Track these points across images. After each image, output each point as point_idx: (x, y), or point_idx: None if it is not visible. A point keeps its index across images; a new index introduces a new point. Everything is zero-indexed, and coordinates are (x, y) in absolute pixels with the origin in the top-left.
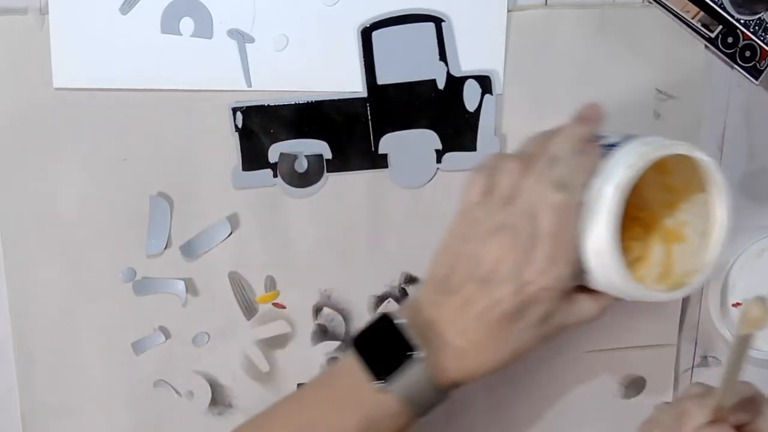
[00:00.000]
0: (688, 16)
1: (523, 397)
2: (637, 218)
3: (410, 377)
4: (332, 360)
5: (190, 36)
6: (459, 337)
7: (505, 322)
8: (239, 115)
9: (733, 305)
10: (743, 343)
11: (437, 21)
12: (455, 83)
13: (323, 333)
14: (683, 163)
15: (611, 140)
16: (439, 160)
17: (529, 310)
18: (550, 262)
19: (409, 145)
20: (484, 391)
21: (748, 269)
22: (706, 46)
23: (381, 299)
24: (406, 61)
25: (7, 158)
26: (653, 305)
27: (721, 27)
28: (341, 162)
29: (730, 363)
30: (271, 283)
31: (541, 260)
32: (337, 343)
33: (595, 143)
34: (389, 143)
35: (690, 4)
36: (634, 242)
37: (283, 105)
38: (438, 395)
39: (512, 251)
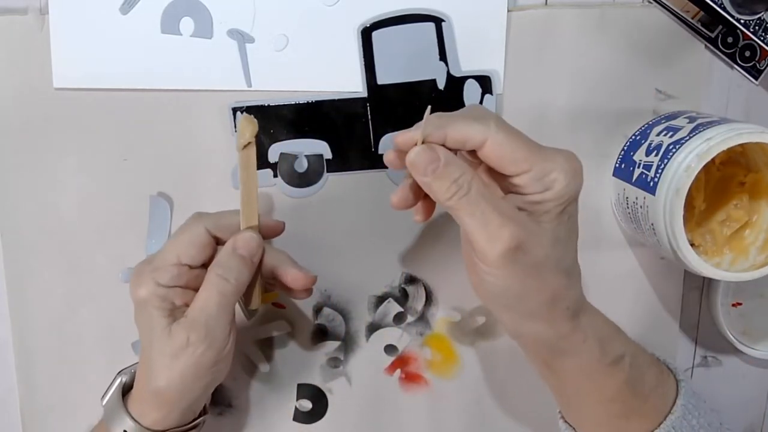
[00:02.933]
0: (688, 16)
1: (523, 397)
2: (743, 183)
3: (116, 411)
4: (332, 360)
5: (190, 36)
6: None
7: None
8: (239, 115)
9: (733, 305)
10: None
11: (437, 21)
12: (455, 83)
13: (323, 333)
14: None
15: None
16: None
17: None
18: None
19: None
20: (483, 391)
21: None
22: (706, 46)
23: (381, 299)
24: (406, 61)
25: (7, 158)
26: (653, 306)
27: (721, 27)
28: (341, 162)
29: None
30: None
31: None
32: (337, 343)
33: None
34: (389, 143)
35: (690, 4)
36: (738, 211)
37: (283, 105)
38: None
39: None
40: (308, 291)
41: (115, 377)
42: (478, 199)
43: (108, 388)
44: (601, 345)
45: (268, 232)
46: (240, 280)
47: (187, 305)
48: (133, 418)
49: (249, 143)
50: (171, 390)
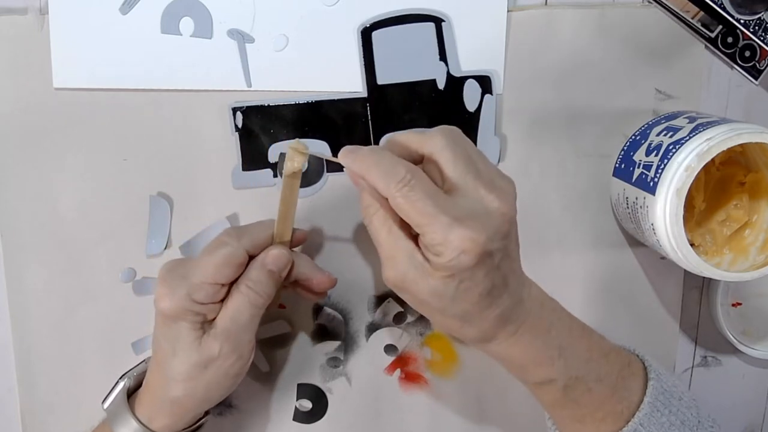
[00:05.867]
0: (688, 16)
1: (523, 397)
2: (742, 183)
3: (122, 415)
4: (332, 360)
5: (190, 36)
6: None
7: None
8: (239, 115)
9: (733, 305)
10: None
11: (437, 21)
12: (455, 83)
13: (323, 333)
14: None
15: (679, 135)
16: None
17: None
18: None
19: None
20: (483, 391)
21: None
22: (706, 46)
23: (381, 299)
24: (406, 61)
25: (7, 158)
26: (653, 306)
27: (721, 27)
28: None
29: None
30: None
31: None
32: (337, 343)
33: None
34: None
35: (690, 4)
36: (737, 211)
37: (283, 105)
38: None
39: None
40: (327, 293)
41: (118, 381)
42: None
43: (110, 392)
44: (522, 371)
45: (293, 243)
46: (269, 294)
47: (214, 318)
48: (140, 422)
49: (293, 174)
50: (192, 399)
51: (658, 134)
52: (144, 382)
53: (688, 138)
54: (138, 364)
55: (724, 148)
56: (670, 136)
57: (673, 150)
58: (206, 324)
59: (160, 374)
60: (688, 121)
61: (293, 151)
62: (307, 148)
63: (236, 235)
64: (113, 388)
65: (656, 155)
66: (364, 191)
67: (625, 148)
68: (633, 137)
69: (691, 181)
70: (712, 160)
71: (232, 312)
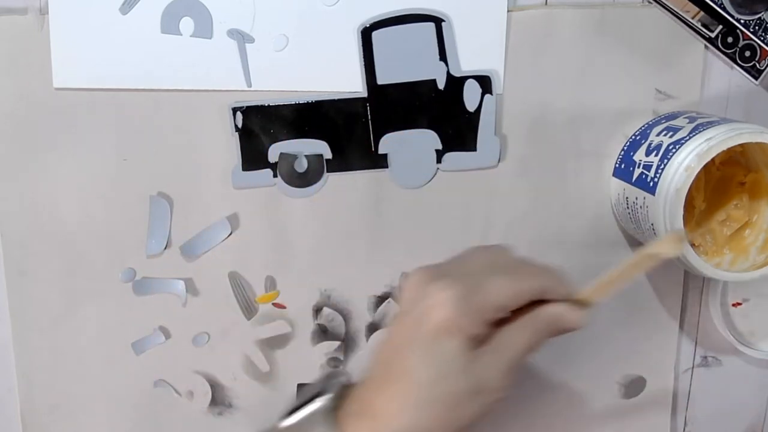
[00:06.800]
0: (688, 16)
1: (523, 397)
2: (742, 183)
3: (311, 421)
4: (332, 360)
5: (190, 36)
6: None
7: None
8: (239, 115)
9: (733, 305)
10: (646, 260)
11: (437, 21)
12: (455, 83)
13: (323, 333)
14: None
15: (679, 135)
16: (439, 160)
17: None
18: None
19: (409, 145)
20: None
21: None
22: (706, 46)
23: (381, 299)
24: (406, 61)
25: (7, 158)
26: (653, 306)
27: (721, 27)
28: (341, 162)
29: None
30: (271, 283)
31: None
32: (337, 343)
33: None
34: (389, 143)
35: (690, 4)
36: (737, 211)
37: (283, 105)
38: None
39: None
40: None
41: (313, 398)
42: None
43: (295, 410)
44: None
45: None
46: (542, 344)
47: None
48: None
49: (657, 255)
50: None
51: (658, 134)
52: (355, 408)
53: (688, 138)
54: (320, 381)
55: (725, 148)
56: (670, 136)
57: (673, 150)
58: (476, 349)
59: (399, 401)
60: (688, 121)
61: (675, 240)
62: (685, 242)
63: (546, 276)
64: (302, 406)
65: (656, 155)
66: None
67: (625, 148)
68: (633, 137)
69: (691, 181)
70: (712, 160)
71: (517, 345)
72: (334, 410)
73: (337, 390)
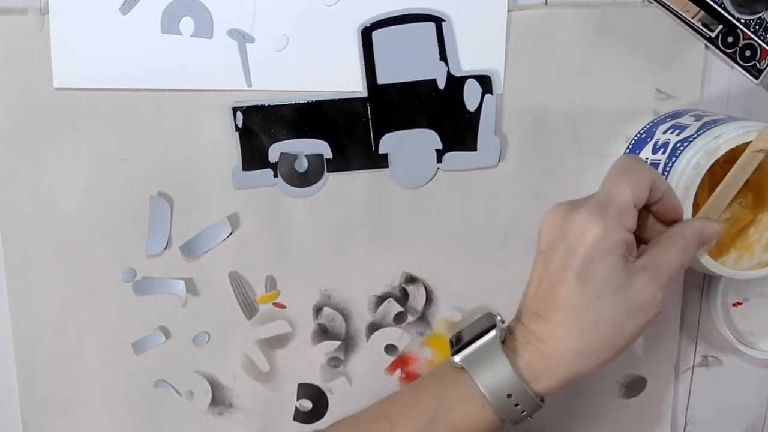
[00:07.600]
0: (688, 16)
1: None
2: (747, 182)
3: (494, 366)
4: (332, 360)
5: (190, 36)
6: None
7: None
8: (239, 115)
9: (733, 305)
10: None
11: (437, 21)
12: (455, 83)
13: (323, 333)
14: None
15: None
16: (439, 160)
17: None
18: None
19: (409, 145)
20: None
21: None
22: (706, 46)
23: (381, 299)
24: (406, 60)
25: (7, 158)
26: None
27: (721, 26)
28: (341, 162)
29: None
30: (271, 283)
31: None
32: (337, 343)
33: None
34: (389, 143)
35: (690, 3)
36: (742, 209)
37: (283, 105)
38: (526, 397)
39: None
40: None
41: (489, 329)
42: None
43: (466, 344)
44: None
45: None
46: (691, 258)
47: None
48: (526, 381)
49: (761, 150)
50: (599, 353)
51: (664, 132)
52: (521, 339)
53: (696, 136)
54: (481, 320)
55: (734, 146)
56: (677, 134)
57: (681, 148)
58: (629, 263)
59: (565, 328)
60: (694, 119)
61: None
62: None
63: (642, 165)
64: (473, 339)
65: (663, 153)
66: None
67: (630, 146)
68: (638, 135)
69: (699, 179)
70: (717, 158)
71: (669, 260)
72: (501, 342)
73: (502, 325)
